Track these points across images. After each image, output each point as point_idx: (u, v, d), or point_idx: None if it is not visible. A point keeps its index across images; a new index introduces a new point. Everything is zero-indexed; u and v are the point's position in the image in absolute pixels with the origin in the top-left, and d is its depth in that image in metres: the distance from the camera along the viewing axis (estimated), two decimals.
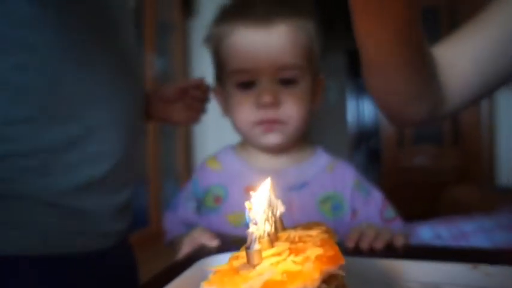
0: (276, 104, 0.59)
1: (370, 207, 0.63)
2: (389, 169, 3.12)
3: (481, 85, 0.49)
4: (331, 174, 0.65)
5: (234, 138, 0.69)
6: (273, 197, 0.30)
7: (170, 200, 0.72)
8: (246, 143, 0.68)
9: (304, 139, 0.68)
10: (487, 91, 0.50)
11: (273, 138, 0.61)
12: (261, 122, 0.60)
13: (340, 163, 0.67)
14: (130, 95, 0.61)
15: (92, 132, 0.53)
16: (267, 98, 0.58)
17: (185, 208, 0.67)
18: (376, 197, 0.64)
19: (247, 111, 0.61)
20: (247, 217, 0.26)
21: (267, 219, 0.28)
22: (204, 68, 2.74)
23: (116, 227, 0.61)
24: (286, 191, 0.62)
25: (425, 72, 0.46)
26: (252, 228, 0.25)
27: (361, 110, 5.18)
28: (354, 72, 5.18)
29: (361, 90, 4.98)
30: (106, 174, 0.55)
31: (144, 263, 0.86)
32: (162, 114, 0.77)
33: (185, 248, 0.55)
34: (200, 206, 0.67)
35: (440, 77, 0.48)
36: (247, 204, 0.26)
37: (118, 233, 0.62)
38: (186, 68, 2.80)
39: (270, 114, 0.59)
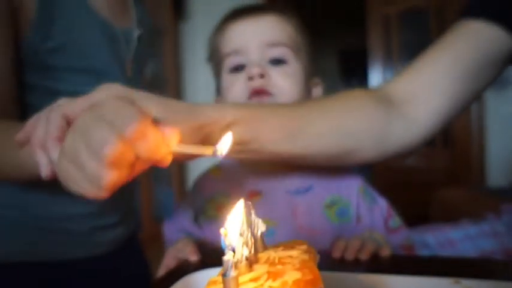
0: (264, 75, 0.59)
1: (375, 215, 0.62)
2: (380, 169, 3.13)
3: (448, 111, 0.51)
4: (336, 177, 0.64)
5: None
6: (253, 217, 0.30)
7: (163, 206, 0.73)
8: None
9: None
10: (454, 115, 0.53)
11: None
12: (251, 94, 0.60)
13: (345, 168, 0.65)
14: None
15: None
16: (254, 70, 0.58)
17: (184, 217, 0.65)
18: (381, 205, 0.63)
19: (238, 89, 0.61)
20: (222, 244, 0.26)
21: (245, 242, 0.28)
22: (195, 72, 2.74)
23: (105, 238, 0.67)
24: (291, 194, 0.61)
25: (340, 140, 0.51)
26: (227, 256, 0.25)
27: None
28: (346, 72, 5.19)
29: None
30: (87, 211, 0.64)
31: None
32: None
33: (167, 260, 0.55)
34: (200, 217, 0.65)
35: (402, 109, 0.51)
36: (221, 230, 0.26)
37: (110, 242, 0.68)
38: (177, 71, 2.80)
39: (257, 83, 0.59)
